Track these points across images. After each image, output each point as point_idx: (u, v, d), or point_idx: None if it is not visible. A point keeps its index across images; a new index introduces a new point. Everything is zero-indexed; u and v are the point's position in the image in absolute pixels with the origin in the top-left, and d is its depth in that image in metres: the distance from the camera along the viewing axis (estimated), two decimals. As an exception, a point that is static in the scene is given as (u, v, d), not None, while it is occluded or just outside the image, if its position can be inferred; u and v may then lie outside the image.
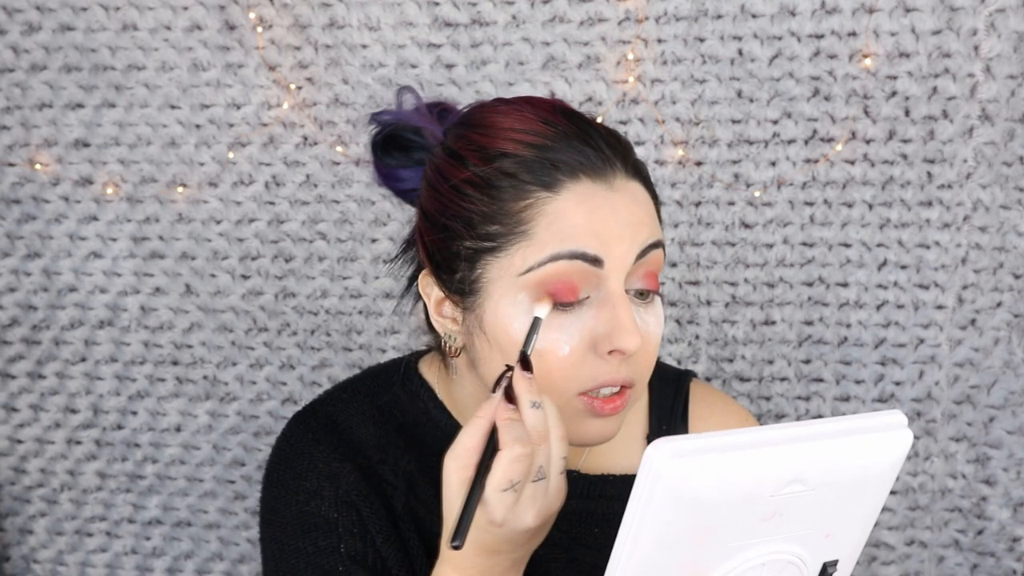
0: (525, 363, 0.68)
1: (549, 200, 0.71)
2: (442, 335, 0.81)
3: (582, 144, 0.72)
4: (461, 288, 0.76)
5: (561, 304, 0.71)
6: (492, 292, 0.74)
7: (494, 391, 0.68)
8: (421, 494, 0.84)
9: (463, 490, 0.65)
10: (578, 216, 0.71)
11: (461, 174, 0.75)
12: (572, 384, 0.74)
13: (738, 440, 0.56)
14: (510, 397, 0.67)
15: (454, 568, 0.70)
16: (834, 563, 0.63)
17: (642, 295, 0.75)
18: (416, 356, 0.92)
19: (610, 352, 0.72)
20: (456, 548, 0.62)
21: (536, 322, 0.70)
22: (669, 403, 0.91)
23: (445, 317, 0.80)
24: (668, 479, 0.54)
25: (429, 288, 0.80)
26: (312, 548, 0.81)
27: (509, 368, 0.69)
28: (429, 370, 0.89)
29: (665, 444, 0.54)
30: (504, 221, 0.72)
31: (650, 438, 0.89)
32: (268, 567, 0.84)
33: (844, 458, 0.58)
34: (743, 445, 0.55)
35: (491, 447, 0.65)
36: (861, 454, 0.59)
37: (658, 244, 0.74)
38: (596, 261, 0.71)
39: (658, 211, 0.77)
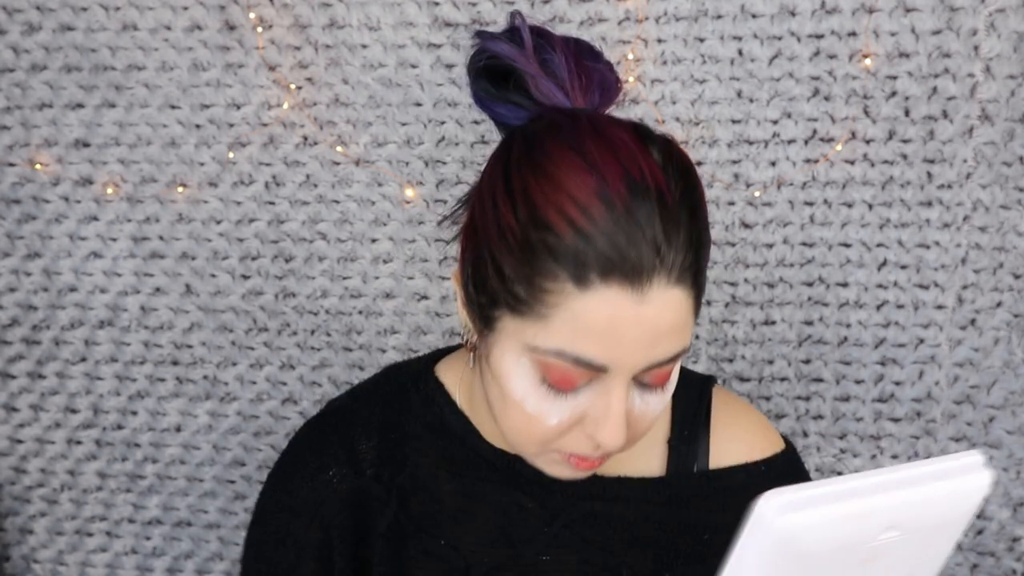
0: None
1: (574, 296, 0.67)
2: (463, 325, 0.80)
3: (628, 243, 0.65)
4: (480, 312, 0.75)
5: (556, 388, 0.71)
6: (502, 339, 0.72)
7: None
8: (413, 511, 0.84)
9: None
10: (598, 323, 0.67)
11: (508, 219, 0.70)
12: (552, 445, 0.74)
13: (841, 489, 0.56)
14: None
15: None
16: None
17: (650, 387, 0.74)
18: (432, 358, 0.92)
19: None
20: None
21: None
22: (692, 409, 0.90)
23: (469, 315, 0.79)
24: (779, 532, 0.54)
25: (458, 284, 0.79)
26: (277, 560, 0.84)
27: None
28: (447, 372, 0.89)
29: (775, 496, 0.54)
30: (529, 291, 0.69)
31: (672, 442, 0.89)
32: (244, 566, 0.87)
33: (933, 502, 0.59)
34: (846, 495, 0.56)
35: None
36: (948, 497, 0.60)
37: (680, 354, 0.71)
38: (601, 369, 0.69)
39: (699, 303, 0.73)
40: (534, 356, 0.70)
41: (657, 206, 0.66)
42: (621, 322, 0.67)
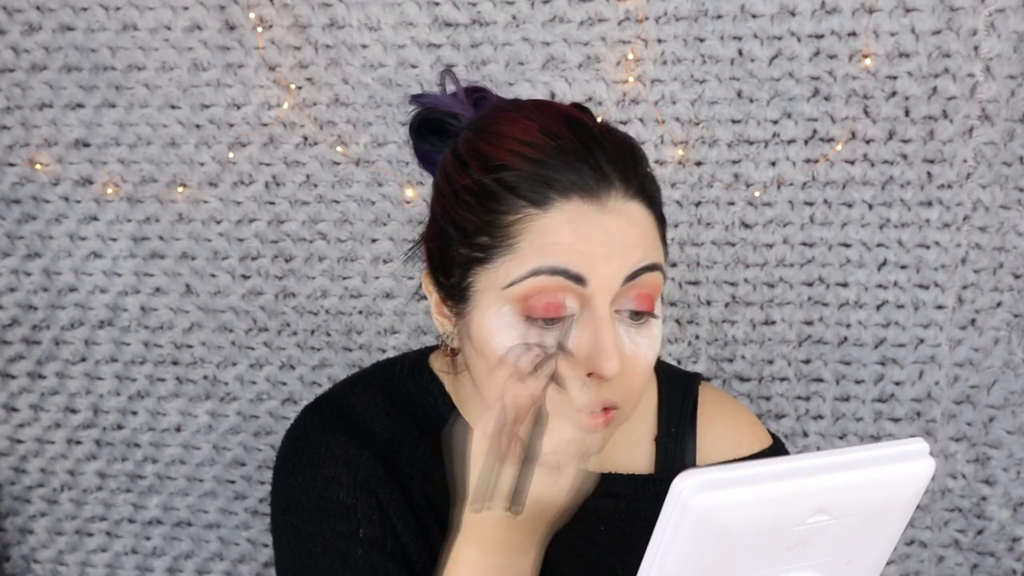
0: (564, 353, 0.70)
1: (537, 217, 0.71)
2: (441, 334, 0.81)
3: (579, 162, 0.72)
4: (453, 293, 0.76)
5: (543, 320, 0.71)
6: (479, 302, 0.74)
7: (533, 372, 0.70)
8: (437, 483, 0.84)
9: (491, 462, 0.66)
10: (564, 235, 0.70)
11: (462, 180, 0.75)
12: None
13: (765, 471, 0.55)
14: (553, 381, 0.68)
15: (472, 541, 0.70)
16: None
17: (635, 316, 0.74)
18: (428, 350, 0.93)
19: (589, 374, 0.72)
20: (517, 513, 0.64)
21: (570, 318, 0.71)
22: (678, 405, 0.91)
23: (444, 316, 0.80)
24: (696, 510, 0.54)
25: (430, 287, 0.81)
26: (331, 533, 0.81)
27: (549, 354, 0.70)
28: (439, 364, 0.90)
29: (693, 475, 0.54)
30: (494, 233, 0.72)
31: (659, 439, 0.89)
32: (284, 555, 0.83)
33: (868, 488, 0.58)
34: (770, 476, 0.55)
35: (538, 423, 0.66)
36: (885, 483, 0.58)
37: (654, 267, 0.73)
38: (579, 279, 0.70)
39: (663, 232, 0.76)
40: (513, 295, 0.71)
41: (597, 133, 0.74)
42: (587, 231, 0.70)
